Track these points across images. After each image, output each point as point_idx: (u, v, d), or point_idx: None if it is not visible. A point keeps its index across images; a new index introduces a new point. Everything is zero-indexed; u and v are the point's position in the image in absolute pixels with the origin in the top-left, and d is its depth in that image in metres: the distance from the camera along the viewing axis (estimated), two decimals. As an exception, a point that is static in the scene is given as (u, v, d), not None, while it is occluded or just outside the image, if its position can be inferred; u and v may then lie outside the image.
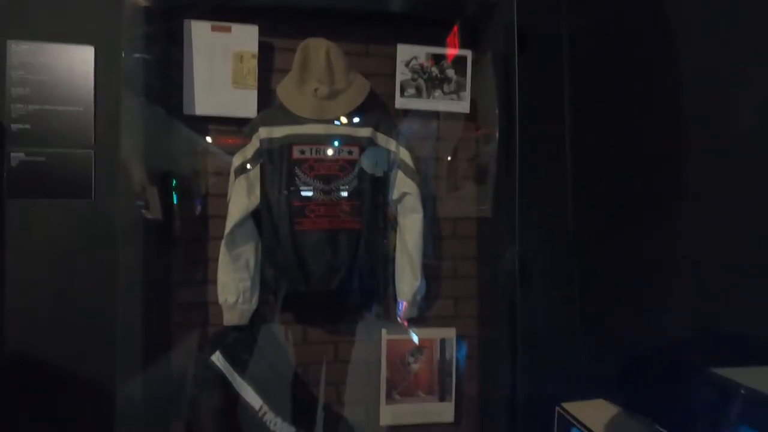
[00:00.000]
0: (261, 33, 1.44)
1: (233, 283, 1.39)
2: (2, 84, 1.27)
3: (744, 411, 0.56)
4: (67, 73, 1.30)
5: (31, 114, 1.29)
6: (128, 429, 1.28)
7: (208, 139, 1.48)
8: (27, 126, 1.29)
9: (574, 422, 0.99)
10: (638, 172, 1.18)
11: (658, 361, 1.07)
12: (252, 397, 1.41)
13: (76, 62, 1.31)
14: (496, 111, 1.57)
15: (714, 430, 0.59)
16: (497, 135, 1.54)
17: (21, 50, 1.28)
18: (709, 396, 0.60)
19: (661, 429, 0.93)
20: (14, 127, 1.28)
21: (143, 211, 1.36)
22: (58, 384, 1.26)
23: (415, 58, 1.56)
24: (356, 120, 1.44)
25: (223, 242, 1.39)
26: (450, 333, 1.61)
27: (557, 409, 1.04)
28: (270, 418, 1.42)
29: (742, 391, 0.56)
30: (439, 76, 1.58)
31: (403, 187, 1.48)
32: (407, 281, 1.49)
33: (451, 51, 1.60)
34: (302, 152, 1.39)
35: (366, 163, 1.43)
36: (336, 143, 1.41)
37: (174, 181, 1.47)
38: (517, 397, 1.38)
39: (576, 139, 1.47)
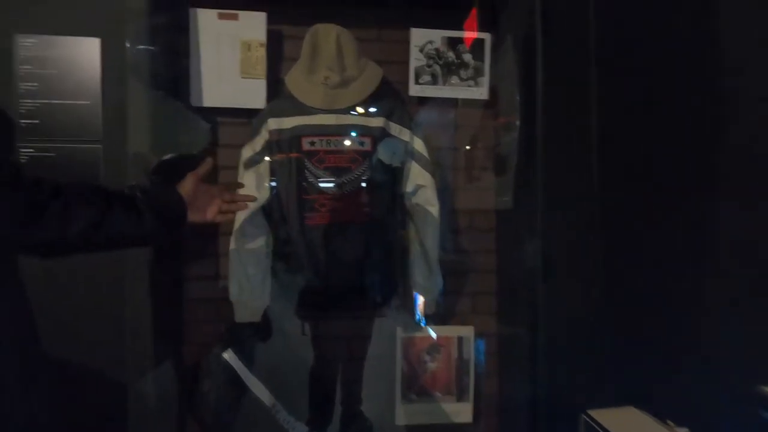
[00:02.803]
0: (269, 20, 1.40)
1: (244, 279, 1.36)
2: (11, 80, 1.26)
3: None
4: (74, 66, 1.28)
5: (40, 109, 1.27)
6: (141, 426, 1.27)
7: (217, 131, 1.45)
8: (36, 121, 1.27)
9: None
10: (670, 162, 1.08)
11: (693, 365, 0.98)
12: (265, 395, 1.39)
13: (83, 55, 1.28)
14: (517, 98, 1.48)
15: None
16: (518, 123, 1.45)
17: (28, 44, 1.26)
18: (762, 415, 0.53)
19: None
20: (23, 122, 1.26)
21: None
22: (69, 382, 1.25)
23: (430, 42, 1.48)
24: (368, 109, 1.37)
25: (233, 237, 1.35)
26: (468, 331, 1.55)
27: (583, 416, 0.97)
28: (283, 416, 1.39)
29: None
30: (455, 61, 1.50)
31: (418, 179, 1.42)
32: (423, 276, 1.43)
33: (469, 34, 1.52)
34: (312, 144, 1.34)
35: (382, 154, 1.37)
36: (347, 134, 1.35)
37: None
38: (539, 399, 1.31)
39: (603, 128, 1.38)
